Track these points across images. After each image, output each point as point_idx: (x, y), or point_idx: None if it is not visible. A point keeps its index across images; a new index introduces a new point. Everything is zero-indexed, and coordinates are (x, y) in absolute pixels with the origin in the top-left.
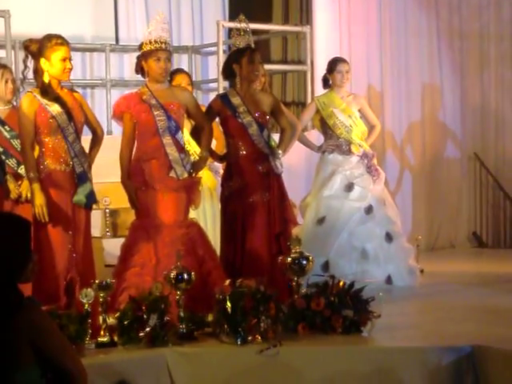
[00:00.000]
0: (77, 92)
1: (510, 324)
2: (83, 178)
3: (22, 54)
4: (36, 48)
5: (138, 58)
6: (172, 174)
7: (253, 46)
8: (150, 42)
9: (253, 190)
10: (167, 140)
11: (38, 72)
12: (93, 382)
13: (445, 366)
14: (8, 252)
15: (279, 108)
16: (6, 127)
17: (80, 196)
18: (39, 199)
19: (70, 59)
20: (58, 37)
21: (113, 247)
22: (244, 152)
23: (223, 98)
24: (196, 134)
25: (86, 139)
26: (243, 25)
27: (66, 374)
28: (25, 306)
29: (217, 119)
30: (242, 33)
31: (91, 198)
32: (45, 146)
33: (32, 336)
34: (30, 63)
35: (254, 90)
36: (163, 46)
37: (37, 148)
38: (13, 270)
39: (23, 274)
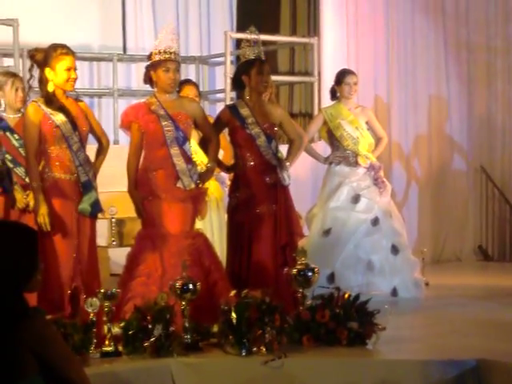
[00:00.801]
0: (82, 101)
1: None
2: (88, 186)
3: (29, 64)
4: (41, 57)
5: (147, 67)
6: (179, 184)
7: (263, 57)
8: (160, 53)
9: (260, 201)
10: (175, 150)
11: (42, 81)
12: None
13: (449, 379)
14: (15, 261)
15: (287, 119)
16: (15, 135)
17: (85, 205)
18: (42, 209)
19: (75, 69)
20: (63, 46)
21: (119, 257)
22: (252, 163)
23: (232, 108)
24: (204, 144)
25: (92, 148)
26: (253, 36)
27: (69, 383)
28: (29, 316)
29: (225, 130)
30: (251, 44)
31: (96, 207)
32: (50, 155)
33: (36, 346)
34: (36, 72)
35: (263, 101)
36: (172, 56)
37: (42, 157)
38: (19, 280)
39: (29, 284)
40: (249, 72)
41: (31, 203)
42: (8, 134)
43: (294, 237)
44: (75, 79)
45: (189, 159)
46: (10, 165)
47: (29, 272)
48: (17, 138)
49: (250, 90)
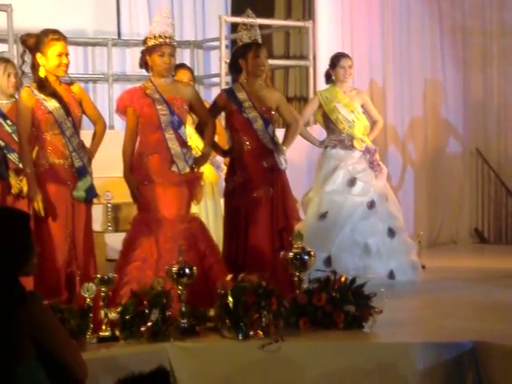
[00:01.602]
0: (76, 84)
1: (511, 320)
2: (83, 172)
3: (21, 49)
4: (33, 42)
5: (142, 52)
6: (174, 168)
7: (259, 41)
8: (155, 37)
9: (257, 185)
10: (170, 134)
11: (34, 67)
12: (94, 376)
13: (446, 361)
14: (9, 245)
15: (284, 103)
16: (8, 121)
17: (80, 190)
18: (36, 194)
19: (67, 54)
20: (55, 32)
21: (115, 242)
22: (249, 147)
23: (229, 92)
24: (200, 129)
25: (88, 133)
26: (250, 20)
27: (66, 368)
28: (27, 300)
29: (220, 115)
30: (248, 28)
31: (91, 193)
32: (43, 141)
33: (33, 330)
34: (28, 58)
35: (260, 85)
36: (168, 40)
37: (35, 143)
38: (14, 264)
39: (25, 268)
40: (246, 56)
41: (25, 188)
42: (1, 119)
43: (291, 221)
44: (67, 65)
45: (184, 143)
46: (4, 151)
47: (23, 256)
48: (10, 123)
49: (247, 74)
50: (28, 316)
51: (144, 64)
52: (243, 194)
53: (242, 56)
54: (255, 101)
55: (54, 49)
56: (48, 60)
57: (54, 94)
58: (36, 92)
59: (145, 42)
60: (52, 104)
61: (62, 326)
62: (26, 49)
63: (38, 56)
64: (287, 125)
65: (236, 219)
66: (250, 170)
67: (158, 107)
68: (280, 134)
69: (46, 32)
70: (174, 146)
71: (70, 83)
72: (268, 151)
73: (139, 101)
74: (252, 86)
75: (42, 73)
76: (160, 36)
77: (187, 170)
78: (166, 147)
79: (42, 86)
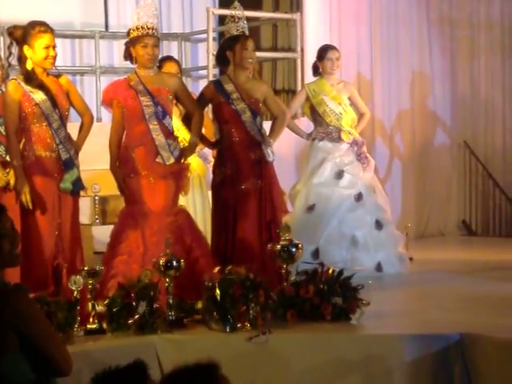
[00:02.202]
0: (63, 76)
1: (498, 312)
2: (69, 164)
3: (8, 41)
4: (20, 34)
5: (126, 44)
6: (158, 159)
7: (247, 33)
8: (137, 28)
9: (245, 177)
10: (154, 125)
11: (21, 59)
12: (81, 369)
13: (433, 353)
14: None
15: (271, 96)
16: None
17: (66, 183)
18: (23, 187)
19: (54, 47)
20: (42, 24)
21: (102, 234)
22: (237, 139)
23: (216, 84)
24: (187, 120)
25: (76, 125)
26: (237, 12)
27: (50, 361)
28: (10, 293)
29: (207, 108)
30: (236, 20)
31: (78, 185)
32: (30, 133)
33: (17, 322)
34: (15, 50)
35: (247, 77)
36: (150, 31)
37: (23, 135)
38: None
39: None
40: (233, 48)
41: (11, 181)
42: None
43: (278, 213)
44: (54, 57)
45: (169, 134)
46: None
47: None
48: None
49: (235, 66)
50: (12, 308)
51: (128, 56)
52: (231, 186)
53: (229, 48)
54: (243, 93)
55: (41, 41)
56: (35, 52)
57: (41, 86)
58: (23, 84)
59: (128, 33)
60: (39, 96)
61: (46, 319)
62: (13, 41)
63: (25, 48)
64: (274, 117)
65: (224, 212)
66: (238, 162)
67: (142, 98)
68: (267, 126)
69: (33, 24)
70: (159, 137)
71: (58, 75)
72: (256, 143)
73: (123, 93)
74: (239, 78)
75: (29, 65)
76: (143, 27)
77: (172, 160)
78: (151, 138)
79: (29, 78)
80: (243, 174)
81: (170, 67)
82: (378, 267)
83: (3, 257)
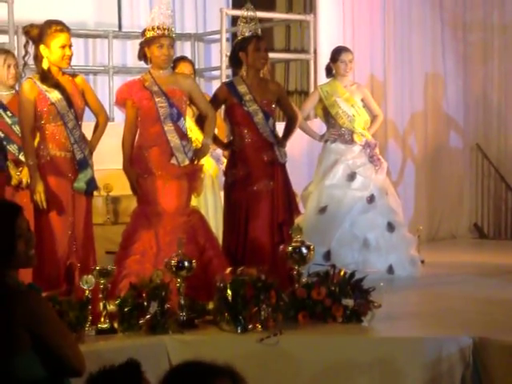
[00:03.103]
0: (79, 76)
1: (510, 315)
2: (83, 164)
3: (24, 41)
4: (36, 33)
5: (141, 44)
6: (173, 161)
7: (260, 34)
8: (153, 29)
9: (257, 178)
10: (169, 127)
11: (37, 58)
12: (93, 368)
13: (445, 356)
14: None
15: (284, 97)
16: (8, 113)
17: (80, 183)
18: (38, 186)
19: (70, 46)
20: (58, 23)
21: (114, 234)
22: (249, 140)
23: (229, 85)
24: (200, 121)
25: (90, 125)
26: (250, 13)
27: (63, 360)
28: (23, 293)
29: (220, 108)
30: (248, 21)
31: (92, 185)
32: (45, 133)
33: (30, 322)
34: (31, 49)
35: (261, 78)
36: (166, 32)
37: (37, 134)
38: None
39: (14, 260)
40: (246, 49)
41: (24, 180)
42: (1, 111)
43: (292, 214)
44: (70, 56)
45: (183, 135)
46: (4, 142)
47: (9, 248)
48: (9, 115)
49: (248, 67)
50: (24, 308)
51: (143, 56)
52: (243, 187)
53: (242, 49)
54: (256, 94)
55: (57, 40)
56: (51, 51)
57: (57, 86)
58: (38, 83)
59: (143, 33)
60: (54, 95)
61: (59, 318)
62: (29, 40)
63: (42, 47)
64: (287, 118)
65: (236, 212)
66: (250, 164)
67: (157, 99)
68: (280, 127)
69: (50, 23)
70: (174, 139)
71: (73, 75)
72: (268, 144)
73: (138, 93)
74: (252, 79)
75: (45, 64)
76: (159, 27)
77: (186, 162)
78: (165, 140)
79: (45, 77)
80: (255, 176)
81: (184, 68)
82: (390, 269)
83: (18, 257)
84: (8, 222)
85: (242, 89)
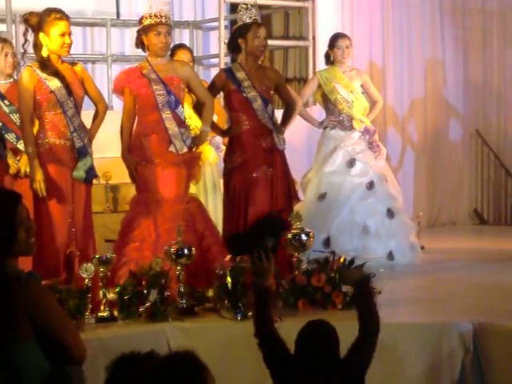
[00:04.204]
0: (77, 63)
1: (510, 300)
2: (83, 152)
3: (22, 29)
4: (35, 21)
5: (138, 32)
6: (171, 148)
7: (259, 21)
8: (150, 16)
9: (256, 165)
10: (167, 114)
11: (37, 46)
12: (93, 356)
13: (445, 342)
14: None
15: (283, 83)
16: (6, 101)
17: (80, 171)
18: (38, 174)
19: (70, 34)
20: (58, 11)
21: (113, 222)
22: (248, 127)
23: (228, 72)
24: (199, 108)
25: (88, 113)
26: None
27: (65, 348)
28: (23, 281)
29: (219, 95)
30: (248, 7)
31: (91, 173)
32: (44, 121)
33: (31, 310)
34: (31, 37)
35: (259, 65)
36: (163, 19)
37: (36, 122)
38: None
39: (14, 247)
40: (245, 35)
41: (22, 168)
42: None
43: (291, 201)
44: (70, 44)
45: (181, 123)
46: (1, 131)
47: (9, 236)
48: (7, 103)
49: (246, 54)
50: (25, 296)
51: (140, 44)
52: (242, 174)
53: (241, 36)
54: (254, 80)
55: (56, 28)
56: (51, 39)
57: (57, 74)
58: (38, 71)
59: (140, 21)
60: (54, 83)
61: (60, 307)
62: (29, 28)
63: (41, 35)
64: (286, 105)
65: (235, 199)
66: (248, 150)
67: (155, 87)
68: (278, 114)
69: (49, 11)
70: (172, 126)
71: (73, 63)
72: (267, 131)
73: (136, 81)
74: (251, 66)
75: (44, 52)
76: (155, 15)
77: (185, 150)
78: (164, 127)
79: (45, 65)
80: (254, 162)
81: (182, 55)
82: (390, 256)
83: (18, 245)
84: (9, 210)
85: (241, 75)
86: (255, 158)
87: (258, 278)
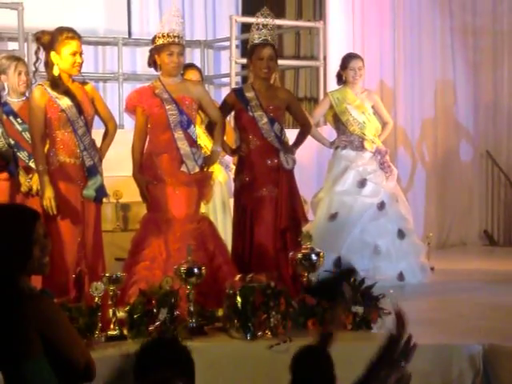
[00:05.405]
0: (88, 83)
1: None
2: (93, 171)
3: (34, 48)
4: (47, 40)
5: (151, 51)
6: (183, 168)
7: (272, 40)
8: (163, 36)
9: (261, 184)
10: (179, 134)
11: (48, 65)
12: (102, 375)
13: (455, 363)
14: (9, 242)
15: (295, 103)
16: (19, 119)
17: (90, 190)
18: (48, 192)
19: (81, 53)
20: (70, 30)
21: (124, 241)
22: (254, 145)
23: (237, 92)
24: (210, 128)
25: (99, 132)
26: (263, 19)
27: (75, 366)
28: (36, 298)
29: (229, 115)
30: (260, 27)
31: (101, 192)
32: (55, 139)
33: (41, 327)
34: (42, 55)
35: (270, 85)
36: (176, 39)
37: (47, 141)
38: (11, 262)
39: (30, 265)
40: (250, 57)
41: (34, 187)
42: (11, 118)
43: (296, 221)
44: (81, 63)
45: (193, 143)
46: (14, 149)
47: (22, 254)
48: (20, 122)
49: (254, 75)
50: (38, 313)
51: (153, 63)
52: (249, 192)
53: (248, 57)
54: (263, 100)
55: (68, 47)
56: (62, 58)
57: (67, 93)
58: (49, 90)
59: (153, 40)
60: (65, 102)
61: (70, 324)
62: (41, 46)
63: (53, 54)
64: (300, 125)
65: (242, 218)
66: (255, 169)
67: (167, 107)
68: (291, 134)
69: (61, 30)
70: (184, 146)
71: (83, 82)
72: (273, 150)
73: (148, 101)
74: (261, 86)
75: (55, 71)
76: (168, 35)
77: (197, 169)
78: (176, 147)
79: (56, 84)
80: (260, 181)
81: (191, 75)
82: (400, 276)
83: (32, 263)
84: (26, 226)
85: (250, 95)
86: (261, 176)
87: (332, 324)
